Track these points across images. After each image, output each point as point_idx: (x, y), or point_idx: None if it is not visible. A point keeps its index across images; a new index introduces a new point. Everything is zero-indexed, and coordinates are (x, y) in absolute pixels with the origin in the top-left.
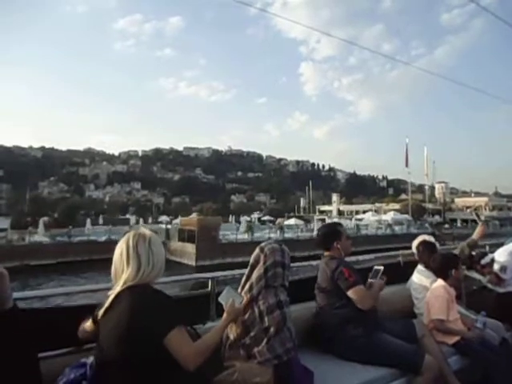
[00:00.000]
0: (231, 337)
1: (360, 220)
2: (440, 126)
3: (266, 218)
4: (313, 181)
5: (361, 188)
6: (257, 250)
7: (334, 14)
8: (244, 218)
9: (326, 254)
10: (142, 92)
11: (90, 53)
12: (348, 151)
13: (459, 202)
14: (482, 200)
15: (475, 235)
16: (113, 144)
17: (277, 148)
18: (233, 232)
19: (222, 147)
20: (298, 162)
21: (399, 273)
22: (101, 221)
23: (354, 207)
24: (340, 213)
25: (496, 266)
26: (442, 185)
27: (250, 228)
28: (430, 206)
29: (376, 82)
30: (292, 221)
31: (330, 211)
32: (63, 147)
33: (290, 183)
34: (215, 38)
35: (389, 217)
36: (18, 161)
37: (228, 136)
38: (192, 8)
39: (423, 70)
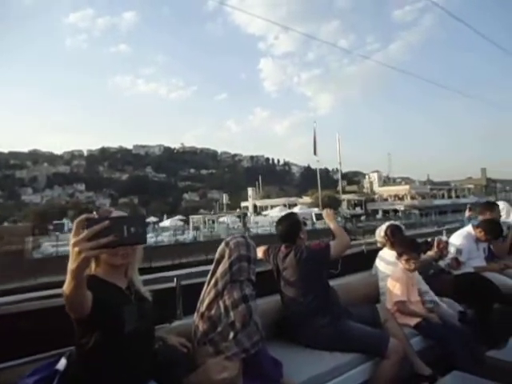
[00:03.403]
0: (198, 334)
1: (265, 216)
2: (398, 118)
3: (179, 217)
4: (267, 176)
5: (315, 181)
6: (222, 245)
7: (291, 10)
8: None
9: (286, 245)
10: (98, 90)
11: (39, 48)
12: (308, 146)
13: (383, 191)
14: (404, 188)
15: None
16: (64, 145)
17: (238, 145)
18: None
19: (176, 145)
20: (252, 158)
21: (363, 261)
22: None
23: (268, 202)
24: (256, 208)
25: (452, 249)
26: (374, 174)
27: None
28: (350, 197)
29: (334, 76)
30: (167, 222)
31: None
32: (6, 149)
33: (244, 179)
34: (172, 33)
35: (296, 211)
36: None
37: (190, 134)
38: (147, 3)
39: (380, 63)
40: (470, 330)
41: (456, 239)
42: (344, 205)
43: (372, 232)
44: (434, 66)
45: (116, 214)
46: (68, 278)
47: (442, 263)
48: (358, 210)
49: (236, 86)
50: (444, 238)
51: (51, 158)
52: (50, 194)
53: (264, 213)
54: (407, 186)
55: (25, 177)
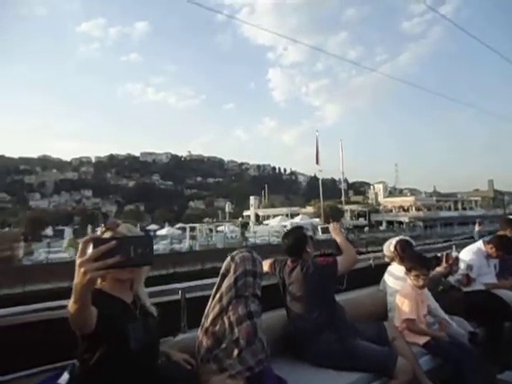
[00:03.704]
0: (202, 350)
1: (266, 225)
2: (405, 129)
3: (180, 225)
4: (274, 184)
5: (323, 191)
6: (227, 259)
7: (300, 21)
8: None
9: (292, 259)
10: (108, 98)
11: (52, 56)
12: (314, 155)
13: (387, 202)
14: (409, 199)
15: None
16: (73, 151)
17: (245, 154)
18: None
19: (184, 153)
20: (259, 167)
21: (371, 275)
22: None
23: (270, 211)
24: (257, 217)
25: (462, 265)
26: (380, 185)
27: (72, 243)
28: (354, 207)
29: (342, 87)
30: (164, 230)
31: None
32: (16, 155)
33: (250, 188)
34: (183, 43)
35: (296, 221)
36: None
37: (197, 142)
38: (158, 13)
39: (386, 75)
40: (481, 350)
41: (466, 255)
42: (348, 215)
43: (375, 243)
44: (441, 77)
45: (123, 227)
46: (73, 297)
47: (451, 279)
48: (362, 221)
49: (245, 96)
50: (454, 253)
51: (60, 164)
52: (57, 199)
53: (265, 222)
54: (412, 198)
55: (33, 182)
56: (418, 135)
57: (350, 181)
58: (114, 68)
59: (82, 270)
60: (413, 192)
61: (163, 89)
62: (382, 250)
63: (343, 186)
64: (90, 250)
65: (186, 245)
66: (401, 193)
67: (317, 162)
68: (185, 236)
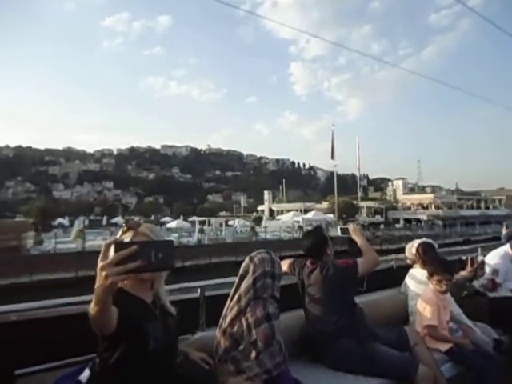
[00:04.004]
0: (220, 350)
1: (278, 220)
2: (429, 124)
3: (194, 218)
4: (292, 179)
5: (342, 187)
6: (246, 260)
7: (324, 14)
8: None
9: (311, 261)
10: (132, 91)
11: (78, 50)
12: (336, 151)
13: (405, 199)
14: (428, 197)
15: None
16: (96, 143)
17: (265, 148)
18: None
19: (203, 146)
20: (277, 161)
21: (392, 277)
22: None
23: (284, 206)
24: (272, 212)
25: (487, 270)
26: (399, 181)
27: (79, 234)
28: (370, 204)
29: (365, 81)
30: (174, 223)
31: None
32: (42, 146)
33: (268, 182)
34: (205, 37)
35: (308, 217)
36: None
37: (218, 136)
38: (181, 7)
39: (408, 70)
40: (506, 358)
41: (492, 259)
42: (364, 212)
43: (390, 241)
44: (467, 72)
45: (145, 227)
46: (94, 299)
47: (476, 284)
48: (379, 218)
49: (266, 89)
50: (479, 256)
51: (83, 156)
52: (79, 190)
53: (278, 217)
54: (431, 195)
55: (57, 173)
56: (443, 131)
57: (371, 177)
58: (137, 61)
59: (104, 273)
60: (435, 189)
61: (185, 82)
62: (396, 249)
63: (359, 181)
64: (111, 253)
65: (194, 238)
66: (423, 190)
67: (332, 157)
68: (193, 230)
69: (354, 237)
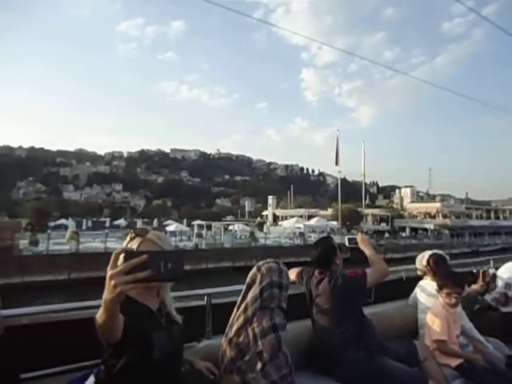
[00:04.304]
0: (225, 360)
1: (279, 226)
2: (440, 133)
3: (197, 222)
4: (301, 185)
5: (351, 194)
6: (254, 269)
7: (337, 20)
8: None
9: (320, 271)
10: (144, 95)
11: (93, 55)
12: (346, 157)
13: (412, 207)
14: (436, 206)
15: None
16: (107, 146)
17: (275, 153)
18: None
19: (212, 150)
20: (286, 167)
21: (401, 289)
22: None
23: (288, 212)
24: (275, 218)
25: (500, 284)
26: (407, 189)
27: (73, 236)
28: (376, 211)
29: (377, 88)
30: (173, 227)
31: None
32: (54, 147)
33: (277, 187)
34: (218, 42)
35: (310, 223)
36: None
37: (229, 141)
38: (194, 13)
39: (418, 78)
40: None
41: (505, 272)
42: (369, 220)
43: (394, 251)
44: (480, 81)
45: (152, 234)
46: (102, 308)
47: (488, 298)
48: (384, 226)
49: (277, 95)
50: (491, 269)
51: (93, 158)
52: (89, 192)
53: (280, 223)
54: (439, 204)
55: (68, 174)
56: (454, 140)
57: (382, 184)
58: (150, 66)
59: (113, 282)
60: (445, 198)
61: (196, 86)
62: (401, 258)
63: (364, 188)
64: (120, 261)
65: (191, 243)
66: (433, 198)
67: (336, 163)
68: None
69: (362, 247)
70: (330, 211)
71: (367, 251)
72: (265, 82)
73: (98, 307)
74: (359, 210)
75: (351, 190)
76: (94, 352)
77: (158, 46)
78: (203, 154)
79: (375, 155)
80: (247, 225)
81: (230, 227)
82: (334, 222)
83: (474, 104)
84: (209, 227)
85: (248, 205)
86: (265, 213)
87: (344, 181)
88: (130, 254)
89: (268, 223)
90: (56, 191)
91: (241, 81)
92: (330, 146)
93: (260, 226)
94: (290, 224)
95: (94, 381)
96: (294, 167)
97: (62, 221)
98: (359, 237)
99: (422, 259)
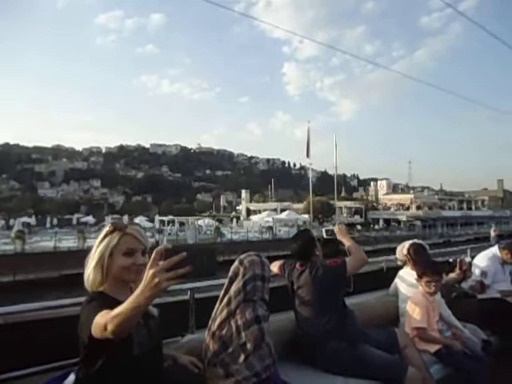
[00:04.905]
0: (209, 354)
1: (249, 220)
2: (420, 125)
3: (167, 218)
4: (282, 179)
5: (331, 187)
6: (236, 263)
7: (318, 14)
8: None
9: (301, 263)
10: (124, 89)
11: (69, 48)
12: (327, 151)
13: (386, 199)
14: (408, 197)
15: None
16: (86, 141)
17: (257, 147)
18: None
19: (193, 145)
20: (268, 161)
21: (382, 279)
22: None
23: (262, 205)
24: (249, 212)
25: (477, 272)
26: (383, 182)
27: (19, 235)
28: (348, 204)
29: (358, 82)
30: (136, 221)
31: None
32: (31, 144)
33: (259, 181)
34: (199, 35)
35: (280, 217)
36: None
37: (210, 135)
38: (174, 5)
39: (398, 72)
40: (494, 359)
41: (480, 261)
42: (345, 212)
43: (365, 243)
44: (458, 74)
45: (132, 228)
46: (133, 305)
47: (465, 285)
48: (358, 219)
49: (259, 89)
50: (467, 258)
51: (71, 154)
52: (66, 188)
53: (251, 217)
54: (411, 195)
55: (43, 171)
56: (434, 133)
57: (364, 177)
58: (130, 60)
59: (157, 279)
60: (424, 190)
61: (178, 81)
62: (372, 250)
63: (336, 180)
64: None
65: (152, 239)
66: (413, 190)
67: (307, 156)
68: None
69: (340, 237)
70: (302, 205)
71: (345, 241)
72: (247, 76)
73: (72, 305)
74: (331, 202)
75: (331, 183)
76: (74, 351)
77: (137, 39)
78: (184, 149)
79: (357, 148)
80: (220, 220)
81: (200, 222)
82: (306, 216)
83: (453, 97)
84: (182, 223)
85: (223, 199)
86: (239, 207)
87: (325, 174)
88: (170, 251)
89: (241, 217)
90: (31, 188)
91: (222, 75)
92: (311, 140)
93: (232, 221)
94: (258, 218)
95: (73, 379)
96: (276, 161)
97: (25, 219)
98: (336, 228)
99: (403, 249)
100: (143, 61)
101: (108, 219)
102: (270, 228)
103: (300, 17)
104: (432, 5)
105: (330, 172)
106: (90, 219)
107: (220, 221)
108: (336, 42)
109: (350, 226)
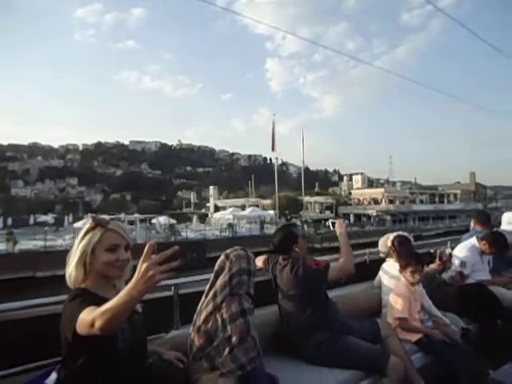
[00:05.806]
0: (194, 348)
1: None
2: (401, 120)
3: (136, 216)
4: (264, 175)
5: (313, 182)
6: (222, 257)
7: (300, 11)
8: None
9: (283, 257)
10: (104, 85)
11: (46, 43)
12: (310, 147)
13: (357, 194)
14: (379, 191)
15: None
16: (64, 138)
17: (240, 144)
18: None
19: (174, 142)
20: (249, 157)
21: (365, 271)
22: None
23: (230, 202)
24: (217, 208)
25: (456, 262)
26: (358, 176)
27: (10, 237)
28: (319, 199)
29: (340, 78)
30: (80, 223)
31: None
32: (5, 141)
33: (240, 178)
34: (180, 31)
35: (244, 214)
36: None
37: (193, 132)
38: (155, 0)
39: (380, 68)
40: (474, 347)
41: (460, 251)
42: (316, 208)
43: (331, 239)
44: (437, 70)
45: (113, 224)
46: (126, 298)
47: (445, 276)
48: (329, 214)
49: (242, 86)
50: (448, 249)
51: (47, 152)
52: (40, 187)
53: (214, 214)
54: (382, 189)
55: (17, 169)
56: (414, 128)
57: (343, 173)
58: (110, 55)
59: (151, 272)
60: (405, 184)
61: (159, 77)
62: (337, 247)
63: (303, 175)
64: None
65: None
66: (394, 185)
67: (272, 149)
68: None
69: (338, 233)
70: (269, 200)
71: (341, 240)
72: (229, 72)
73: (51, 304)
74: (299, 198)
75: (313, 178)
76: (55, 349)
77: (117, 35)
78: (164, 146)
79: (340, 144)
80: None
81: (160, 219)
82: (271, 212)
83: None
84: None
85: (193, 196)
86: (209, 204)
87: (306, 169)
88: (163, 245)
89: (209, 214)
90: (3, 187)
91: (205, 71)
92: (294, 136)
93: (203, 218)
94: (221, 215)
95: (55, 377)
96: (258, 157)
97: None
98: (337, 223)
99: (387, 241)
100: (123, 57)
101: (68, 219)
102: (231, 225)
103: (282, 13)
104: (412, 2)
105: (312, 168)
106: (49, 219)
107: (189, 218)
108: (318, 38)
109: (319, 222)
